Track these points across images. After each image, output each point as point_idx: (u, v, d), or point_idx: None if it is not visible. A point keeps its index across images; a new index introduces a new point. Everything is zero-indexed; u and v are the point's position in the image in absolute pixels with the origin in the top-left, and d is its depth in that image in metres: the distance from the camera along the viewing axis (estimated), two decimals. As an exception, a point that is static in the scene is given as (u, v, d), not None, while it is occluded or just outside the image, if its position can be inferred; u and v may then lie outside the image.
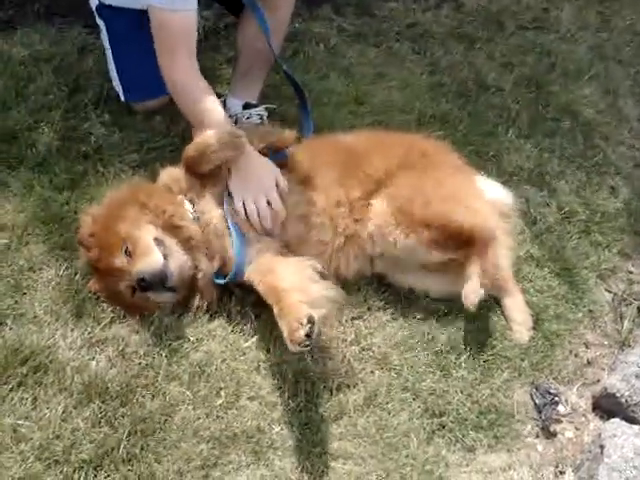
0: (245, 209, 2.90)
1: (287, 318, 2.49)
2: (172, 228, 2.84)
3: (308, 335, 2.42)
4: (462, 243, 2.94)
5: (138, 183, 3.10)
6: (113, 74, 3.65)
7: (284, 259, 2.84)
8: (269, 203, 2.90)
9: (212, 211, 2.90)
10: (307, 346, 2.44)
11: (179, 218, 2.86)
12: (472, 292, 2.85)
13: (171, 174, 3.02)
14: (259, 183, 2.91)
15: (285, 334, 2.48)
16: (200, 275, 2.85)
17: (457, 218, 2.92)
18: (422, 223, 2.92)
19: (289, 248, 2.95)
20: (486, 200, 3.13)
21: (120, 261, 2.76)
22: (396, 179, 3.04)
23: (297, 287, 2.63)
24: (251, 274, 2.79)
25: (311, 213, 2.97)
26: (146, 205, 2.85)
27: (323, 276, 2.79)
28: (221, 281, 2.86)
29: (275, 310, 2.58)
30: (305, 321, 2.43)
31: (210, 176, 2.93)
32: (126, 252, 2.75)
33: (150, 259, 2.73)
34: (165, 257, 2.76)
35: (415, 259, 3.02)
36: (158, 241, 2.79)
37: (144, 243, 2.76)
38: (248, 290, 2.88)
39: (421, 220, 2.92)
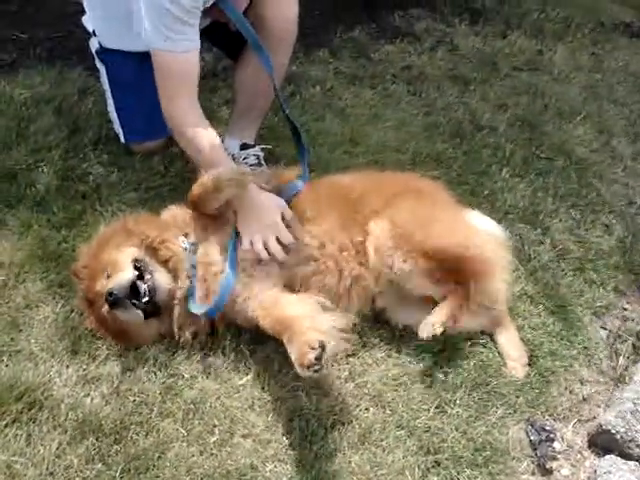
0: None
1: (297, 343, 2.50)
2: (154, 251, 2.88)
3: (318, 359, 2.42)
4: (457, 275, 2.95)
5: (130, 215, 3.13)
6: (113, 116, 3.71)
7: (288, 294, 2.86)
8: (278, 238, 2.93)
9: (214, 255, 2.92)
10: (317, 371, 2.44)
11: (161, 241, 2.89)
12: (431, 324, 2.86)
13: (171, 211, 3.08)
14: (264, 220, 2.93)
15: (294, 358, 2.49)
16: (177, 298, 2.87)
17: (457, 247, 2.94)
18: (422, 249, 2.93)
19: (294, 291, 2.95)
20: (482, 233, 3.15)
21: (100, 284, 2.80)
22: (393, 206, 3.06)
23: (306, 316, 2.65)
24: (256, 310, 2.80)
25: (320, 256, 2.99)
26: (132, 232, 2.91)
27: (328, 310, 2.81)
28: (198, 310, 2.84)
29: (284, 338, 2.59)
30: (316, 344, 2.44)
31: (216, 219, 2.97)
32: (108, 276, 2.80)
33: (120, 275, 2.77)
34: (142, 274, 2.79)
35: (410, 287, 3.01)
36: (138, 261, 2.83)
37: (120, 263, 2.81)
38: (239, 329, 2.94)
39: (421, 246, 2.93)
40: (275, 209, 2.98)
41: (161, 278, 2.85)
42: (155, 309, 2.83)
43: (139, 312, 2.78)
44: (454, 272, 2.94)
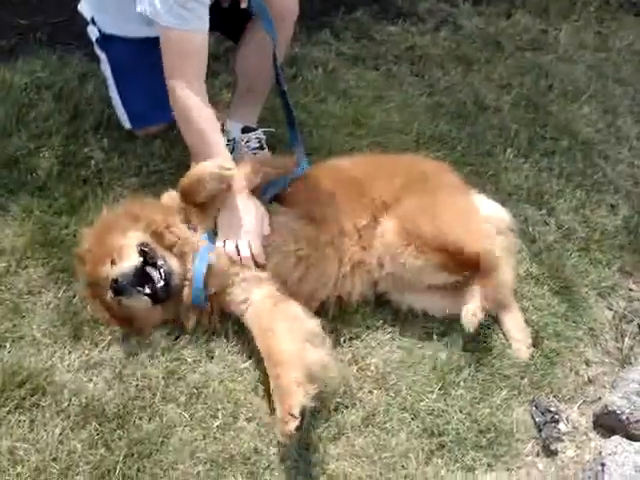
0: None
1: (281, 402, 2.51)
2: (160, 236, 2.86)
3: (298, 428, 2.45)
4: (468, 267, 2.95)
5: (134, 198, 3.10)
6: (116, 103, 3.67)
7: (283, 315, 2.80)
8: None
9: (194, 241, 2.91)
10: (294, 435, 2.48)
11: (166, 226, 2.86)
12: (472, 314, 2.86)
13: (171, 195, 3.05)
14: (244, 226, 2.90)
15: (277, 421, 2.49)
16: (187, 285, 2.85)
17: (466, 243, 2.92)
18: (432, 246, 2.91)
19: (290, 288, 2.93)
20: (484, 221, 3.12)
21: (105, 270, 2.78)
22: (401, 201, 3.04)
23: (294, 356, 2.63)
24: (252, 326, 2.81)
25: (311, 252, 2.94)
26: (138, 216, 2.89)
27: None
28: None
29: (271, 383, 2.60)
30: (297, 412, 2.45)
31: (206, 207, 2.94)
32: (112, 262, 2.78)
33: (124, 262, 2.76)
34: (148, 260, 2.77)
35: (422, 280, 3.01)
36: (144, 245, 2.80)
37: (125, 248, 2.79)
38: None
39: (431, 242, 2.91)
40: (256, 219, 2.93)
41: (173, 263, 2.83)
42: (167, 295, 2.80)
43: (146, 298, 2.76)
44: (467, 262, 2.94)
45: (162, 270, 2.76)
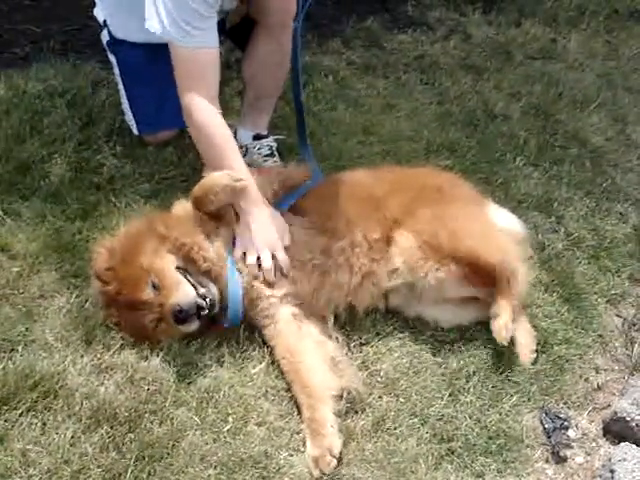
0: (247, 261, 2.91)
1: (319, 439, 2.59)
2: (192, 260, 2.85)
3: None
4: (488, 278, 2.96)
5: (154, 214, 3.08)
6: (125, 108, 3.70)
7: (309, 339, 2.87)
8: (274, 257, 2.91)
9: (222, 255, 2.91)
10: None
11: (197, 250, 2.86)
12: (504, 329, 2.88)
13: (183, 205, 3.04)
14: (266, 236, 2.91)
15: (313, 457, 2.57)
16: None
17: (484, 254, 2.93)
18: (451, 257, 2.93)
19: (305, 298, 2.96)
20: (501, 232, 3.13)
21: (147, 294, 2.77)
22: (415, 214, 3.03)
23: (325, 388, 2.71)
24: (276, 337, 2.87)
25: (326, 260, 2.96)
26: (165, 237, 2.87)
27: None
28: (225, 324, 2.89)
29: (305, 413, 2.68)
30: (337, 453, 2.57)
31: (221, 217, 2.95)
32: (154, 286, 2.77)
33: (183, 290, 2.77)
34: (195, 287, 2.80)
35: (444, 293, 3.03)
36: (180, 269, 2.83)
37: (170, 275, 2.80)
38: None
39: (450, 254, 2.93)
40: (278, 228, 2.96)
41: (214, 290, 2.85)
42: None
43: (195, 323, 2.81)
44: (486, 273, 2.95)
45: (208, 299, 2.79)
